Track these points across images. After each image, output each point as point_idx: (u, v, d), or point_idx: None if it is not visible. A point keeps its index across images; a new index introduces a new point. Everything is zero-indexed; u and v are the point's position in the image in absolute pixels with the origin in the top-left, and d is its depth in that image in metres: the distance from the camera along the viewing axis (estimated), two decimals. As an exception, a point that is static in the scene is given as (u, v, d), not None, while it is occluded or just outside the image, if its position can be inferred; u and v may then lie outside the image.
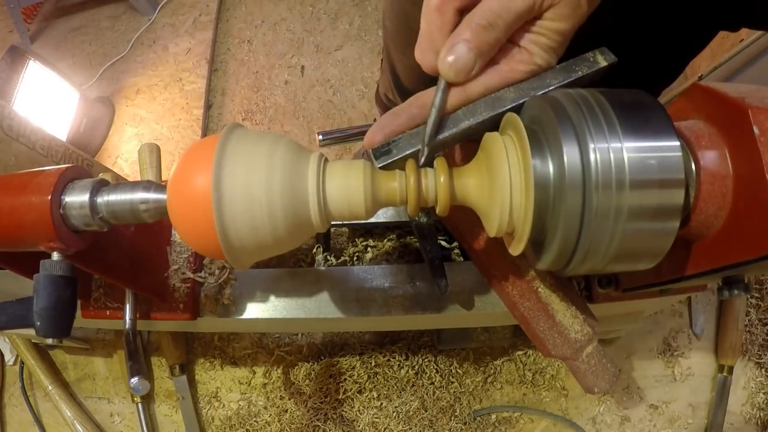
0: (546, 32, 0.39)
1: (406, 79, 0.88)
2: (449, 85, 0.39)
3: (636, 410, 1.02)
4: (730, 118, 0.35)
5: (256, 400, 1.03)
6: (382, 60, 0.99)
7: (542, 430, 1.02)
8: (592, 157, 0.34)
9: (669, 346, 1.04)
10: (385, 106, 1.07)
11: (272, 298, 0.63)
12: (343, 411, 1.01)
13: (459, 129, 0.41)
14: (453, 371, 1.02)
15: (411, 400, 1.00)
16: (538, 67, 0.40)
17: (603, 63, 0.41)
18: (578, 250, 0.36)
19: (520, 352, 1.03)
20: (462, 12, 0.39)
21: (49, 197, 0.39)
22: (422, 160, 0.40)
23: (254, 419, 1.02)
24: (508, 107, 0.40)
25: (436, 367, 1.01)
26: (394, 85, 0.95)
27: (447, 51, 0.37)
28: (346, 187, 0.38)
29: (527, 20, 0.38)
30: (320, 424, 1.00)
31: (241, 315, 0.64)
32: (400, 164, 0.41)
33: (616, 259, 0.37)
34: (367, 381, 1.01)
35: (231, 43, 1.48)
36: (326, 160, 0.40)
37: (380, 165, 0.41)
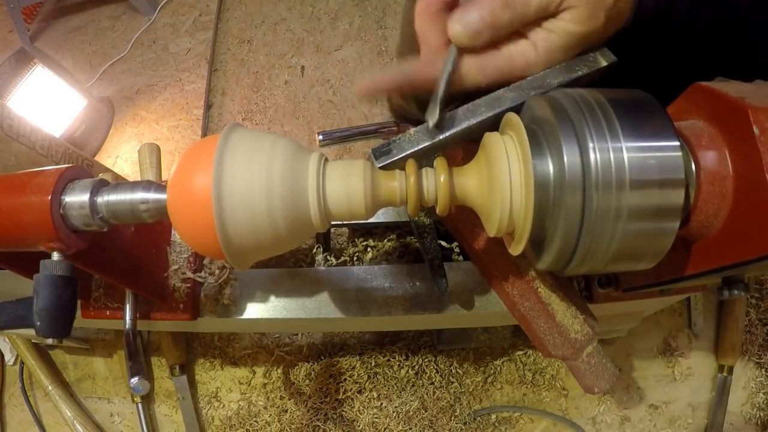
0: (558, 31, 0.39)
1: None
2: (460, 51, 0.40)
3: (636, 410, 1.02)
4: (730, 118, 0.35)
5: (256, 400, 1.03)
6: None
7: (542, 430, 1.02)
8: (592, 157, 0.34)
9: (669, 346, 1.04)
10: (396, 112, 1.07)
11: (272, 298, 0.63)
12: (343, 411, 1.01)
13: (459, 129, 0.41)
14: (453, 371, 1.02)
15: (411, 400, 1.00)
16: (543, 64, 0.41)
17: (603, 63, 0.41)
18: (578, 250, 0.36)
19: (520, 352, 1.03)
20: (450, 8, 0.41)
21: (49, 197, 0.39)
22: (432, 122, 0.40)
23: (254, 419, 1.02)
24: (507, 107, 0.41)
25: (436, 367, 1.01)
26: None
27: (461, 14, 0.39)
28: (346, 187, 0.38)
29: (542, 17, 0.39)
30: (320, 424, 1.00)
31: (241, 315, 0.64)
32: (400, 164, 0.41)
33: (616, 259, 0.37)
34: (367, 381, 1.01)
35: (231, 43, 1.48)
36: (326, 160, 0.40)
37: (380, 165, 0.41)
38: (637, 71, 0.41)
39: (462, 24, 0.38)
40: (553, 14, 0.39)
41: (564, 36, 0.40)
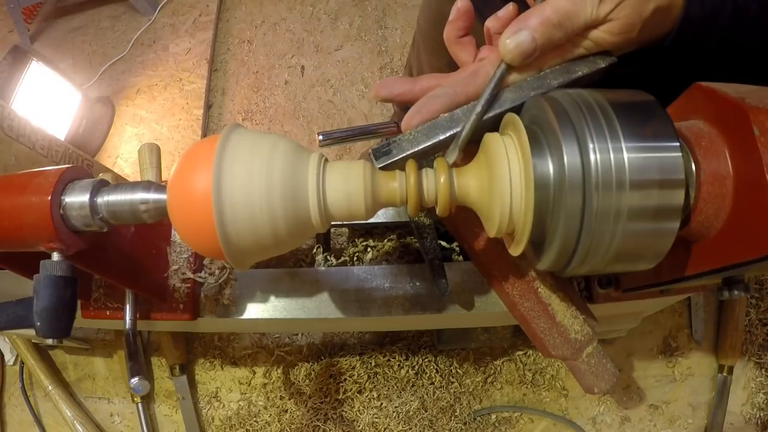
0: (594, 39, 0.40)
1: None
2: (509, 69, 0.40)
3: (636, 410, 1.02)
4: (730, 118, 0.35)
5: (256, 400, 1.03)
6: (408, 59, 0.98)
7: (542, 430, 1.02)
8: (592, 157, 0.34)
9: (669, 346, 1.04)
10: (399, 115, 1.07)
11: (272, 298, 0.63)
12: (343, 411, 1.01)
13: (459, 129, 0.41)
14: (453, 371, 1.02)
15: (411, 400, 1.00)
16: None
17: (602, 63, 0.41)
18: (578, 250, 0.36)
19: (520, 352, 1.03)
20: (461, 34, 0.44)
21: (49, 198, 0.39)
22: (450, 161, 0.40)
23: (254, 419, 1.02)
24: (507, 107, 0.41)
25: (436, 367, 1.01)
26: None
27: (511, 33, 0.38)
28: (346, 187, 0.38)
29: (585, 29, 0.39)
30: (320, 424, 1.00)
31: (241, 315, 0.64)
32: (400, 164, 0.41)
33: (616, 259, 0.37)
34: (367, 381, 1.01)
35: (231, 43, 1.48)
36: (326, 160, 0.40)
37: (380, 165, 0.41)
38: (674, 87, 0.41)
39: (513, 42, 0.38)
40: (595, 26, 0.39)
41: (597, 45, 0.40)
